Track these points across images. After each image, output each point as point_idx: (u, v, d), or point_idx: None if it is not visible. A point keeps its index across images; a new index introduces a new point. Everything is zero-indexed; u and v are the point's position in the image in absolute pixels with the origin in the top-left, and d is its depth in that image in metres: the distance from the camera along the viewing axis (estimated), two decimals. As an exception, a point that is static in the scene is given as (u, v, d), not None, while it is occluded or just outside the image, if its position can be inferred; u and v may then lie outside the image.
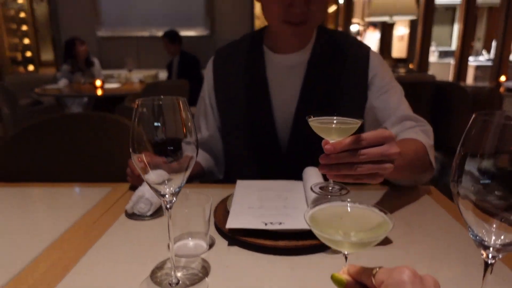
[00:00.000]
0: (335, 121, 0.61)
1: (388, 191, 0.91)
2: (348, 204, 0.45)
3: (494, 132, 0.32)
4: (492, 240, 0.38)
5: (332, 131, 0.60)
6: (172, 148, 0.49)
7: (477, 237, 0.39)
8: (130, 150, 0.49)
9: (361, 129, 0.63)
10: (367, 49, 1.02)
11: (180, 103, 0.48)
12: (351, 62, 0.98)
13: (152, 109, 0.48)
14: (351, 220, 0.44)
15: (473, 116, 0.35)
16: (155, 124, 0.48)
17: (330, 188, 0.67)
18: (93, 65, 4.32)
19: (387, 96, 0.97)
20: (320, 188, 0.68)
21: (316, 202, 0.45)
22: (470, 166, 0.37)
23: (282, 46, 0.99)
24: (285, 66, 0.99)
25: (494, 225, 0.37)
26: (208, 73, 1.09)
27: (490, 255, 0.39)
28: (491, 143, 0.33)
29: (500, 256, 0.39)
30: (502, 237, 0.38)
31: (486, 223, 0.38)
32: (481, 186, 0.36)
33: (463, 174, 0.37)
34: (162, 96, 0.47)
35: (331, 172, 0.60)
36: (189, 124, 0.49)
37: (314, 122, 0.62)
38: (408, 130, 0.91)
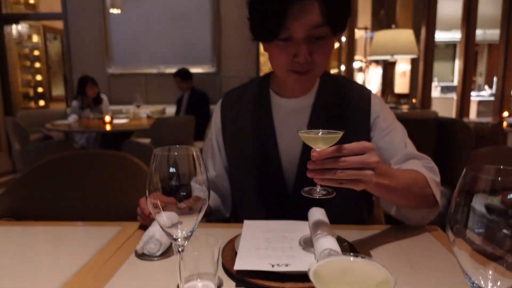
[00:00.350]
0: (320, 133, 0.70)
1: (393, 230, 0.93)
2: (351, 259, 0.47)
3: (484, 186, 0.35)
4: (489, 286, 0.40)
5: (318, 140, 0.69)
6: (185, 193, 0.52)
7: (474, 284, 0.41)
8: (146, 193, 0.53)
9: None
10: (368, 92, 1.06)
11: (194, 153, 0.51)
12: (354, 105, 1.03)
13: (168, 158, 0.52)
14: (354, 276, 0.46)
15: (464, 170, 0.38)
16: (171, 170, 0.52)
17: (318, 190, 0.74)
18: (101, 102, 4.46)
19: (391, 137, 1.00)
20: (309, 191, 0.75)
21: (320, 255, 0.47)
22: (465, 211, 0.39)
23: (287, 91, 1.04)
24: (290, 109, 1.03)
25: (491, 271, 0.39)
26: (216, 115, 1.14)
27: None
28: (482, 194, 0.36)
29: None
30: (499, 283, 0.40)
31: (483, 269, 0.40)
32: (476, 231, 0.39)
33: (458, 220, 0.40)
34: (177, 146, 0.51)
35: (316, 176, 0.68)
36: (201, 170, 0.52)
37: (303, 134, 0.71)
38: (411, 165, 0.94)
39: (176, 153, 0.51)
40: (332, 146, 0.67)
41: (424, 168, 0.92)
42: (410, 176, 0.88)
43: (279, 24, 0.86)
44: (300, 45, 0.88)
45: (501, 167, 0.36)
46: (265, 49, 0.98)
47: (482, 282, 0.40)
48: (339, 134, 0.68)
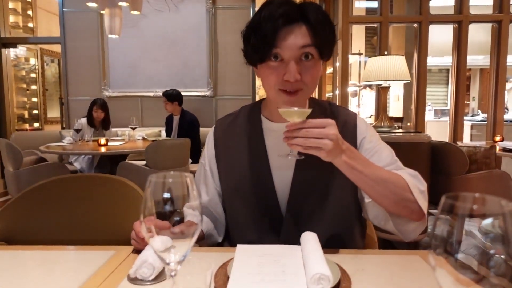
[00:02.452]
0: (295, 109, 0.86)
1: (385, 254, 0.93)
2: None
3: (462, 212, 0.37)
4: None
5: (292, 113, 0.86)
6: (178, 218, 0.53)
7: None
8: (141, 217, 0.54)
9: None
10: (354, 116, 1.11)
11: (188, 180, 0.53)
12: (341, 128, 1.05)
13: (163, 184, 0.53)
14: None
15: (442, 198, 0.39)
16: (165, 196, 0.53)
17: (291, 152, 0.91)
18: (108, 129, 4.50)
19: (378, 156, 1.03)
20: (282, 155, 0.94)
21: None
22: (445, 235, 0.41)
23: (278, 116, 1.06)
24: (281, 133, 1.05)
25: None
26: (209, 141, 1.17)
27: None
28: (459, 228, 0.37)
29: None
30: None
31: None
32: (455, 259, 0.40)
33: (438, 244, 0.41)
34: (172, 172, 0.52)
35: (288, 142, 0.84)
36: (195, 196, 0.54)
37: (282, 110, 0.87)
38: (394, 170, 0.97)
39: (170, 180, 0.53)
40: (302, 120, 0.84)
41: (408, 174, 0.96)
42: (388, 173, 0.93)
43: (270, 45, 0.93)
44: (290, 64, 0.93)
45: (476, 195, 0.38)
46: (257, 75, 1.04)
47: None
48: (309, 111, 0.86)
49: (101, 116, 4.38)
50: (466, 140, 6.36)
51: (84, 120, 4.35)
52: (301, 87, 0.97)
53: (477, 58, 8.07)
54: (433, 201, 0.98)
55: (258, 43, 0.94)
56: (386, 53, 4.05)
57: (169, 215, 0.54)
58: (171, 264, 0.54)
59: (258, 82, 5.43)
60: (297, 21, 0.93)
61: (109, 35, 4.28)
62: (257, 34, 0.94)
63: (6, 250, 1.06)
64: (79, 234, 1.23)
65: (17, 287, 0.79)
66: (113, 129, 4.92)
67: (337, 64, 4.94)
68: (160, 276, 0.81)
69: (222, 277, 0.78)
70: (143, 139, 4.38)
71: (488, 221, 0.39)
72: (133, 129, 4.46)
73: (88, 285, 0.79)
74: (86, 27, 5.27)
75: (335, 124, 0.85)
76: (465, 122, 4.92)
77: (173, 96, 4.41)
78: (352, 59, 7.76)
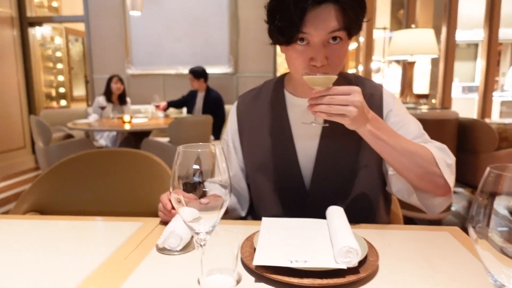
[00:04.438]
0: (320, 75, 0.85)
1: (412, 230, 0.92)
2: None
3: (508, 186, 0.35)
4: (512, 284, 0.40)
5: (316, 80, 0.85)
6: (206, 190, 0.53)
7: (497, 282, 0.40)
8: (170, 188, 0.55)
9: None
10: (380, 88, 1.08)
11: (217, 150, 0.52)
12: (367, 100, 1.02)
13: (191, 155, 0.53)
14: None
15: (487, 170, 0.38)
16: (194, 167, 0.53)
17: (315, 120, 0.91)
18: (125, 103, 4.56)
19: (405, 129, 1.00)
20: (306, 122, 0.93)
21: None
22: (487, 211, 0.39)
23: (302, 92, 1.05)
24: (305, 108, 1.04)
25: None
26: (232, 117, 1.16)
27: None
28: (505, 196, 0.36)
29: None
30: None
31: (506, 268, 0.39)
32: (498, 232, 0.39)
33: (480, 220, 0.40)
34: (201, 143, 0.52)
35: (312, 109, 0.84)
36: (224, 169, 0.53)
37: (307, 77, 0.86)
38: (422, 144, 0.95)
39: (199, 150, 0.52)
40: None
41: (435, 147, 0.93)
42: (414, 145, 0.91)
43: (297, 30, 0.89)
44: (317, 49, 0.90)
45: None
46: (282, 51, 1.00)
47: (505, 281, 0.40)
48: (334, 77, 0.85)
49: (121, 88, 4.43)
50: (495, 117, 6.15)
51: (101, 98, 4.41)
52: (328, 70, 0.94)
53: (509, 32, 7.68)
54: (460, 180, 0.95)
55: (284, 26, 0.90)
56: (413, 26, 3.89)
57: (198, 186, 0.54)
58: (201, 234, 0.55)
59: (279, 59, 5.34)
60: (326, 1, 0.87)
61: (131, 12, 4.27)
62: (284, 15, 0.89)
63: (39, 219, 1.10)
64: (106, 206, 1.26)
65: (49, 255, 0.82)
66: (137, 106, 4.99)
67: (361, 39, 4.81)
68: (187, 247, 0.82)
69: (248, 249, 0.78)
70: (166, 116, 4.42)
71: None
72: (156, 106, 4.51)
73: (118, 254, 0.82)
74: (108, 5, 5.28)
75: (360, 91, 0.83)
76: (494, 99, 4.74)
77: (199, 73, 4.41)
78: (376, 35, 7.51)
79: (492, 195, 0.39)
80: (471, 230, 0.40)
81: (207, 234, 0.55)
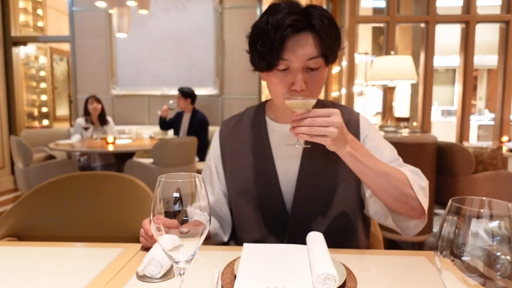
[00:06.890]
0: (300, 99, 0.89)
1: (391, 254, 0.94)
2: None
3: (468, 218, 0.38)
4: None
5: (298, 103, 0.89)
6: (187, 218, 0.55)
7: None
8: (151, 216, 0.56)
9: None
10: (356, 114, 1.12)
11: (197, 180, 0.54)
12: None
13: (172, 184, 0.54)
14: None
15: (449, 202, 0.40)
16: (174, 195, 0.54)
17: (298, 141, 0.94)
18: (106, 124, 4.51)
19: (381, 154, 1.05)
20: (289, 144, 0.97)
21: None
22: (450, 240, 0.41)
23: (283, 117, 1.09)
24: (286, 133, 1.07)
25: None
26: (214, 143, 1.18)
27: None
28: (466, 230, 0.38)
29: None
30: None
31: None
32: (461, 261, 0.41)
33: (445, 248, 0.42)
34: (181, 173, 0.53)
35: (294, 131, 0.88)
36: (203, 196, 0.55)
37: (288, 101, 0.91)
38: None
39: (179, 180, 0.54)
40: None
41: (409, 171, 0.97)
42: (390, 168, 0.94)
43: (278, 55, 0.93)
44: (297, 75, 0.94)
45: (483, 198, 0.39)
46: (263, 79, 1.05)
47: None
48: (313, 101, 0.90)
49: (98, 108, 4.33)
50: (473, 140, 6.32)
51: (81, 119, 4.35)
52: (307, 95, 0.98)
53: (485, 58, 8.00)
54: (439, 202, 0.99)
55: (265, 51, 0.94)
56: (393, 53, 4.03)
57: (178, 215, 0.56)
58: (180, 262, 0.55)
59: (264, 82, 5.42)
60: (304, 30, 0.93)
61: (118, 34, 4.31)
62: (265, 41, 0.93)
63: (16, 246, 1.08)
64: (88, 231, 1.25)
65: (27, 282, 0.81)
66: (121, 127, 4.96)
67: (344, 63, 4.93)
68: (168, 274, 0.82)
69: (229, 275, 0.79)
70: (150, 137, 4.41)
71: (494, 223, 0.40)
72: (171, 109, 4.48)
73: (98, 281, 0.81)
74: (95, 26, 5.31)
75: (340, 113, 0.87)
76: (471, 123, 4.89)
77: (187, 93, 4.45)
78: (358, 59, 7.73)
79: (456, 226, 0.41)
80: (436, 259, 0.42)
81: (187, 262, 0.56)
